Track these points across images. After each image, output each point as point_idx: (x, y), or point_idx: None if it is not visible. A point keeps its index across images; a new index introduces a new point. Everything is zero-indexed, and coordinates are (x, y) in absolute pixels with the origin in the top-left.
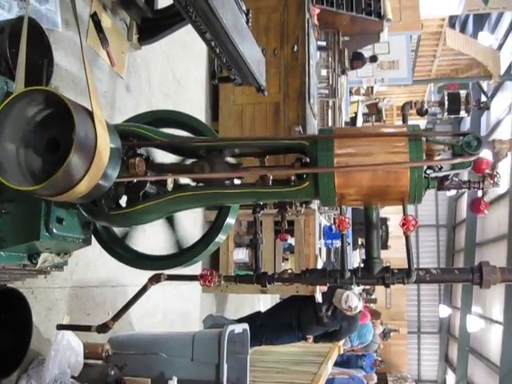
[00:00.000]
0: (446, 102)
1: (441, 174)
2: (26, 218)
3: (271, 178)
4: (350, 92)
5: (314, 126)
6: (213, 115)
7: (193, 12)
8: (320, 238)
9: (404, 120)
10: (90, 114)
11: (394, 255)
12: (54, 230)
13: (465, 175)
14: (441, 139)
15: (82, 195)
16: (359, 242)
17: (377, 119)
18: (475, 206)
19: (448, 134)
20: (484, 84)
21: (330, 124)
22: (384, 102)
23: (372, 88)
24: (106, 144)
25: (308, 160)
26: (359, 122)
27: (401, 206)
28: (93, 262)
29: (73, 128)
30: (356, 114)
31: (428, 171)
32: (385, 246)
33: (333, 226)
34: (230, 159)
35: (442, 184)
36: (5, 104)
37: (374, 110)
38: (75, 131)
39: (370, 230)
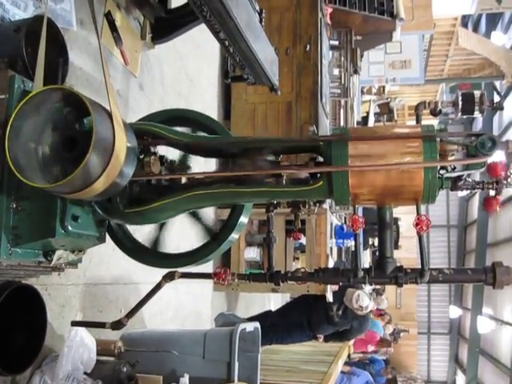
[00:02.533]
0: (460, 103)
1: (454, 175)
2: (42, 216)
3: (285, 177)
4: (362, 91)
5: (325, 126)
6: (225, 114)
7: (207, 12)
8: (331, 238)
9: (418, 120)
10: (108, 113)
11: (404, 255)
12: (70, 228)
13: (477, 175)
14: (455, 140)
15: (98, 193)
16: (370, 242)
17: (388, 119)
18: (487, 204)
19: (462, 135)
20: (497, 84)
21: (341, 123)
22: (396, 101)
23: (384, 87)
24: (123, 143)
25: (322, 160)
26: (371, 122)
27: (411, 207)
28: (106, 259)
29: (91, 128)
30: (368, 113)
31: (441, 171)
32: (396, 246)
33: (344, 226)
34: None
35: (455, 184)
36: (23, 102)
37: (386, 110)
38: (93, 130)
39: (384, 229)
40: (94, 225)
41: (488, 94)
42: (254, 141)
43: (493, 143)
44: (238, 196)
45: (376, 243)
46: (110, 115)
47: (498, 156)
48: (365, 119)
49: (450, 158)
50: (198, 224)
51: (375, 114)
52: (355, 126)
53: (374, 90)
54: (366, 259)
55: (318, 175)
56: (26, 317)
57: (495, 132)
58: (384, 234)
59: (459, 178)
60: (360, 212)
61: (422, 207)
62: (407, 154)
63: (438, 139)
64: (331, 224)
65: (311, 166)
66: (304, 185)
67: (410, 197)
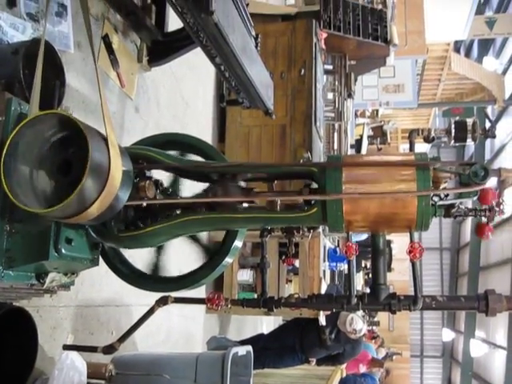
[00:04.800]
0: (453, 130)
1: (447, 202)
2: (36, 238)
3: (279, 203)
4: (356, 114)
5: (319, 149)
6: (219, 136)
7: (204, 37)
8: (324, 261)
9: (411, 147)
10: (104, 138)
11: (397, 278)
12: (63, 251)
13: (469, 202)
14: (448, 168)
15: (92, 218)
16: (363, 264)
17: (382, 142)
18: (480, 230)
19: (455, 164)
20: (489, 108)
21: (335, 147)
22: (389, 124)
23: (377, 111)
24: (118, 168)
25: (316, 186)
26: (364, 145)
27: None
28: (98, 281)
29: (86, 151)
30: (361, 136)
31: (435, 198)
32: (388, 269)
33: (337, 249)
34: (242, 183)
35: (448, 212)
36: (20, 126)
37: (379, 133)
38: (89, 155)
39: (377, 256)
40: (88, 248)
41: (479, 119)
42: (248, 166)
43: (485, 172)
44: (231, 222)
45: (369, 265)
46: (105, 140)
47: (491, 184)
48: (358, 142)
49: (443, 185)
50: (194, 245)
51: (369, 137)
52: (349, 148)
53: (367, 114)
54: (358, 281)
55: (312, 202)
56: (16, 339)
57: (487, 156)
58: (377, 260)
59: (452, 205)
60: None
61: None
62: (401, 181)
63: (431, 167)
64: (324, 247)
65: (306, 193)
66: (298, 211)
67: (403, 224)
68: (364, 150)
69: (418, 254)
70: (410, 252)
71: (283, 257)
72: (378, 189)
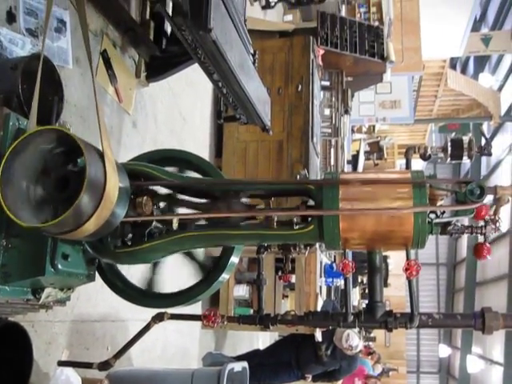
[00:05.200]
0: (449, 148)
1: (444, 220)
2: (32, 254)
3: (276, 219)
4: (352, 130)
5: (316, 165)
6: (217, 151)
7: (202, 54)
8: (321, 276)
9: (407, 164)
10: (101, 154)
11: (393, 293)
12: (59, 266)
13: (465, 219)
14: (444, 186)
15: (89, 234)
16: (359, 280)
17: (378, 157)
18: (478, 251)
19: (451, 182)
20: (484, 124)
21: (332, 162)
22: (385, 140)
23: (374, 126)
24: (115, 184)
25: (313, 203)
26: (361, 161)
27: None
28: (94, 296)
29: (83, 168)
30: (358, 151)
31: (431, 215)
32: (385, 284)
33: (334, 264)
34: (244, 200)
35: (444, 229)
36: (18, 142)
37: (376, 148)
38: (86, 172)
39: (373, 273)
40: (84, 263)
41: (475, 135)
42: (245, 183)
43: (481, 191)
44: (228, 238)
45: (365, 280)
46: (102, 156)
47: (485, 201)
48: (355, 158)
49: (440, 203)
50: (191, 260)
51: (365, 152)
52: (345, 164)
53: (364, 129)
54: (355, 297)
55: (309, 219)
56: (11, 354)
57: (483, 171)
58: (374, 278)
59: (448, 222)
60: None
61: None
62: (397, 199)
63: (427, 185)
64: (321, 263)
65: (302, 209)
66: (295, 228)
67: (400, 242)
68: (361, 166)
69: (414, 272)
70: (406, 270)
71: (279, 272)
72: (375, 206)
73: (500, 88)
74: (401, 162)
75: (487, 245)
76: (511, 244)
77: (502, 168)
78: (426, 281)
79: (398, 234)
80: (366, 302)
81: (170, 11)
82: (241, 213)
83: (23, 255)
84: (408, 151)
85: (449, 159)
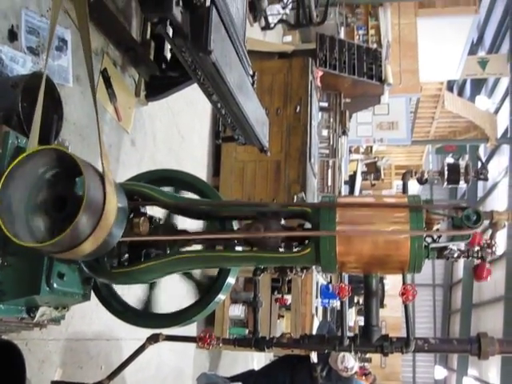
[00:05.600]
0: (446, 172)
1: (440, 245)
2: (28, 272)
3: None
4: (350, 150)
5: (313, 185)
6: (214, 170)
7: (201, 75)
8: (317, 297)
9: (404, 188)
10: (100, 175)
11: (389, 314)
12: (55, 285)
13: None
14: (440, 211)
15: (85, 254)
16: (355, 300)
17: (375, 178)
18: (478, 271)
19: (448, 207)
20: (481, 147)
21: (329, 183)
22: (383, 161)
23: (371, 147)
24: (113, 204)
25: (310, 226)
26: (358, 181)
27: None
28: (88, 314)
29: (82, 188)
30: (355, 172)
31: (427, 239)
32: (381, 305)
33: (330, 285)
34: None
35: (441, 253)
36: (17, 161)
37: (373, 169)
38: (85, 192)
39: (370, 297)
40: (80, 282)
41: (471, 157)
42: (243, 205)
43: (478, 217)
44: (225, 260)
45: (361, 301)
46: (101, 176)
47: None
48: (352, 178)
49: (436, 226)
50: (187, 281)
51: (362, 172)
52: (342, 185)
53: (361, 150)
54: (351, 317)
55: (306, 242)
56: (4, 372)
57: (480, 193)
58: (370, 301)
59: (445, 247)
60: None
61: None
62: (394, 223)
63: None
64: (317, 283)
65: (299, 230)
66: (291, 251)
67: (396, 266)
68: (358, 186)
69: (410, 297)
70: (402, 294)
71: (275, 293)
72: (372, 230)
73: (496, 111)
74: (398, 183)
75: (487, 266)
76: (507, 266)
77: (499, 190)
78: (422, 302)
79: (395, 258)
80: (362, 319)
81: (170, 32)
82: (238, 234)
83: (19, 273)
84: (405, 175)
85: (445, 183)
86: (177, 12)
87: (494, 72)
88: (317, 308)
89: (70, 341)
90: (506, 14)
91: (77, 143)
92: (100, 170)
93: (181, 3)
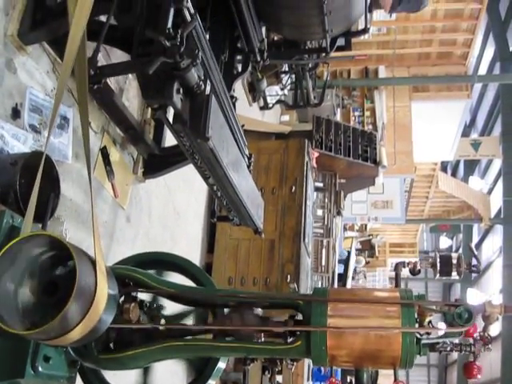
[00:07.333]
0: (438, 264)
1: (432, 341)
2: (13, 355)
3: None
4: (345, 228)
5: (307, 265)
6: (209, 247)
7: (199, 159)
8: (308, 380)
9: (397, 280)
10: (92, 261)
11: None
12: (40, 369)
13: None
14: (433, 307)
15: (73, 341)
16: (348, 380)
17: (370, 255)
18: (468, 370)
19: (440, 304)
20: (475, 226)
21: (323, 262)
22: (377, 238)
23: (366, 225)
24: (104, 292)
25: (301, 317)
26: (352, 260)
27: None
28: None
29: (73, 273)
30: (349, 252)
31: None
32: None
33: (322, 368)
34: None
35: (433, 347)
36: (10, 245)
37: (368, 246)
38: (76, 280)
39: None
40: (66, 366)
41: (466, 239)
42: (235, 295)
43: (469, 315)
44: (214, 350)
45: (354, 381)
46: (93, 263)
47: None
48: (347, 258)
49: (428, 319)
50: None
51: (357, 250)
52: (336, 264)
53: (356, 227)
54: None
55: (298, 333)
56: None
57: (475, 275)
58: None
59: (437, 342)
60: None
61: None
62: (386, 317)
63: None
64: (309, 366)
65: (290, 325)
66: (282, 343)
67: (388, 361)
68: (352, 265)
69: None
70: None
71: (266, 372)
72: (363, 324)
73: (489, 191)
74: (392, 261)
75: (477, 364)
76: (503, 347)
77: (493, 269)
78: (416, 382)
79: (387, 353)
80: None
81: (170, 117)
82: (228, 326)
83: (4, 356)
84: (397, 266)
85: (438, 275)
86: (177, 99)
87: (487, 153)
88: None
89: None
90: (498, 99)
91: (72, 219)
92: (92, 256)
93: (181, 91)
